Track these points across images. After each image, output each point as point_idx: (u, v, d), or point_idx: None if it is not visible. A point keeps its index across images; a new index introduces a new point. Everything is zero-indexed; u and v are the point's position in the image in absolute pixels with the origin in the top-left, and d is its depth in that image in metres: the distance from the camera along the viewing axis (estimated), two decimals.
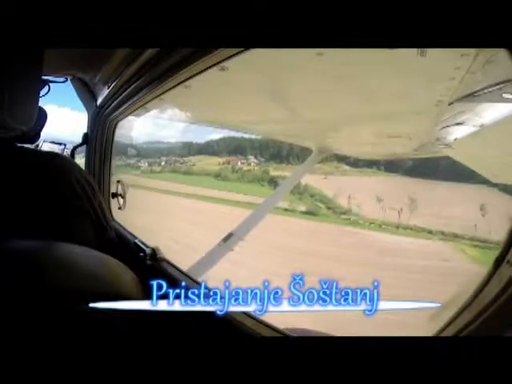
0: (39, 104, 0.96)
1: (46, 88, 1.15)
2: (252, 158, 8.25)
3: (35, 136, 0.93)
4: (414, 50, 0.74)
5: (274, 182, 7.35)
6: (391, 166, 6.50)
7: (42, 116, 0.95)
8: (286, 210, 7.02)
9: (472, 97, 1.10)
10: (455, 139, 2.01)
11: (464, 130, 1.80)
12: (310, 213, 7.13)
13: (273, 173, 7.71)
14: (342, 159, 6.84)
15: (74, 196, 0.79)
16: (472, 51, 0.76)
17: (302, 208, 7.18)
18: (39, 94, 0.82)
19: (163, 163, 8.82)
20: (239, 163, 8.36)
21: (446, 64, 0.84)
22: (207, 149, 8.72)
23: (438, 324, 0.48)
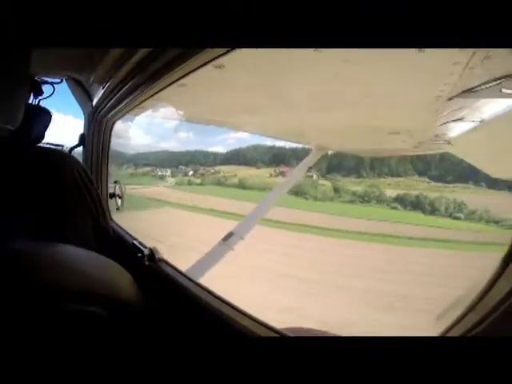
0: (44, 105, 0.97)
1: (51, 89, 1.15)
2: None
3: (40, 136, 0.95)
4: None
5: (426, 207, 5.07)
6: (492, 181, 4.85)
7: (47, 116, 0.96)
8: None
9: (471, 92, 1.09)
10: (454, 135, 2.00)
11: (463, 126, 1.79)
12: None
13: (388, 191, 5.44)
14: (423, 172, 5.57)
15: (75, 191, 0.81)
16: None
17: None
18: (26, 94, 0.82)
19: (191, 173, 7.95)
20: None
21: (445, 59, 0.83)
22: (238, 158, 7.81)
23: (444, 323, 0.47)
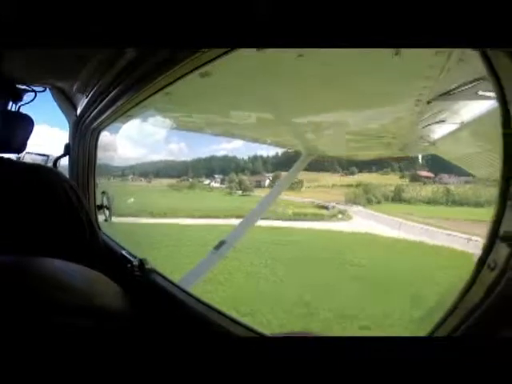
0: (25, 112, 0.95)
1: (32, 95, 1.12)
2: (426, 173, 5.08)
3: (22, 145, 0.92)
4: (389, 50, 0.75)
5: None
6: None
7: (29, 124, 0.94)
8: None
9: (449, 95, 1.13)
10: (438, 136, 2.06)
11: (445, 128, 1.85)
12: None
13: None
14: None
15: (61, 207, 0.78)
16: (446, 50, 0.77)
17: None
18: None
19: (267, 182, 6.74)
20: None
21: (421, 63, 0.86)
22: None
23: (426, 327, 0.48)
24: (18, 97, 0.91)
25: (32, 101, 1.08)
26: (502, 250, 0.39)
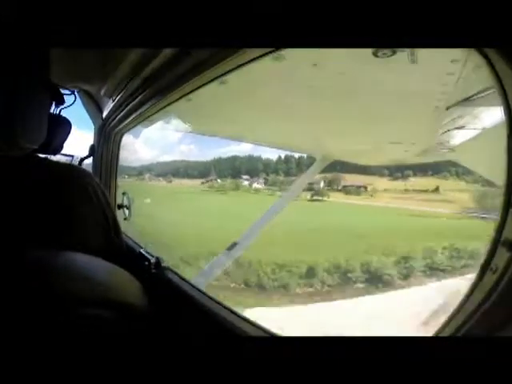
0: (64, 115, 0.98)
1: (72, 98, 1.13)
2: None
3: (59, 147, 0.96)
4: (405, 58, 0.76)
5: None
6: None
7: (66, 127, 0.95)
8: None
9: (468, 101, 1.11)
10: (458, 143, 2.01)
11: (466, 134, 1.80)
12: None
13: None
14: None
15: (90, 205, 0.83)
16: (462, 57, 0.78)
17: None
18: (47, 114, 0.83)
19: (321, 185, 5.41)
20: None
21: (438, 70, 0.86)
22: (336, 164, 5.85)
23: (432, 328, 0.49)
24: (61, 100, 0.93)
25: (73, 104, 1.08)
26: (502, 255, 0.41)
